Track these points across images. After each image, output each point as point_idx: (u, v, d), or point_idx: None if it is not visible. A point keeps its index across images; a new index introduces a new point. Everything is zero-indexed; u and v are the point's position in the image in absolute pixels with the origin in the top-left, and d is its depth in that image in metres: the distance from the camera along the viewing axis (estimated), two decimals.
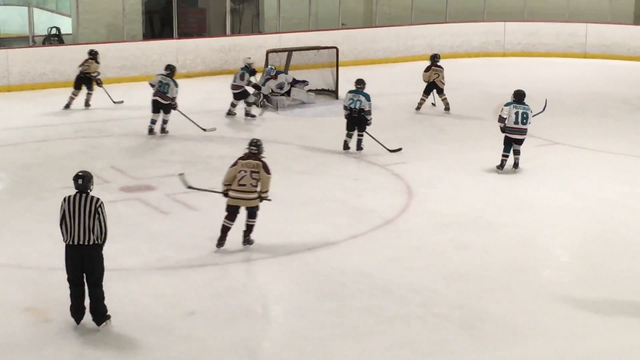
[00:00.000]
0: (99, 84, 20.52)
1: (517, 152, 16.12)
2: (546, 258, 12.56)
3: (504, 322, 10.37)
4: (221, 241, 12.31)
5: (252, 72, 20.08)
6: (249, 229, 12.42)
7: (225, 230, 12.32)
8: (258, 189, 12.24)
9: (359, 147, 17.12)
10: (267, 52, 21.94)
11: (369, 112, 16.94)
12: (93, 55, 20.53)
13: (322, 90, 22.25)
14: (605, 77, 25.62)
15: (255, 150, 12.42)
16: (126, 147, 17.71)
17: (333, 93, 21.98)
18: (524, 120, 15.95)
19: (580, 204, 14.52)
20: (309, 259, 12.16)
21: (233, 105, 20.09)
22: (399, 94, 22.61)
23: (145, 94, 19.00)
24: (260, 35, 26.74)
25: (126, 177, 15.56)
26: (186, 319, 10.30)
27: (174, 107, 18.37)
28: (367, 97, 16.97)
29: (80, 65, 20.43)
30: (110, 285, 10.28)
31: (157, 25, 28.16)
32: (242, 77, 19.85)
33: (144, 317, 10.31)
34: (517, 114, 15.99)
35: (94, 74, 20.46)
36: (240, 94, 19.96)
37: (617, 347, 9.86)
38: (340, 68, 22.25)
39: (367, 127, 17.08)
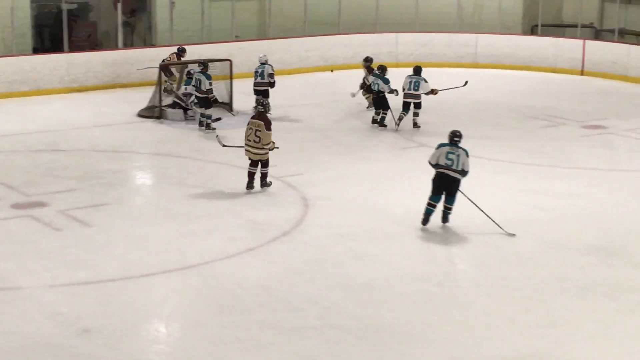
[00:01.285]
0: None
1: (416, 115, 20.36)
2: (442, 266, 12.67)
3: (401, 331, 10.43)
4: (249, 185, 15.34)
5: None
6: (262, 176, 15.35)
7: (250, 175, 15.34)
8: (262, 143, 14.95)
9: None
10: (161, 66, 21.75)
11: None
12: None
13: (217, 102, 22.10)
14: (495, 86, 26.03)
15: (261, 109, 15.15)
16: (17, 163, 17.36)
17: (227, 105, 21.87)
18: (416, 88, 20.26)
19: (475, 213, 14.68)
20: (206, 273, 12.07)
21: None
22: (293, 106, 22.62)
23: (36, 110, 18.69)
24: (153, 48, 26.50)
25: (17, 194, 15.24)
26: (81, 336, 10.11)
27: (213, 100, 19.88)
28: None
29: None
30: (3, 305, 10.05)
31: (47, 39, 27.68)
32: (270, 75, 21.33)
33: (39, 336, 10.10)
34: (410, 82, 20.34)
35: None
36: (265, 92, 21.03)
37: (512, 353, 9.99)
38: (234, 80, 22.18)
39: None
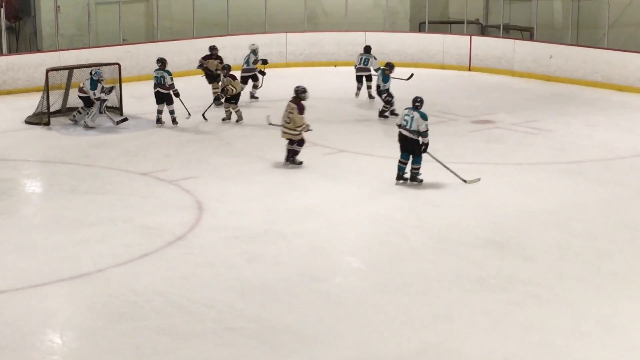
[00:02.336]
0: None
1: (369, 87, 23.38)
2: (337, 265, 12.74)
3: (299, 331, 10.44)
4: (286, 158, 17.06)
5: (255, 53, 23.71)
6: (292, 153, 16.95)
7: (288, 151, 17.04)
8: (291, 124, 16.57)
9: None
10: (47, 71, 21.38)
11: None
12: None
13: (107, 107, 21.85)
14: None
15: (301, 94, 16.83)
16: None
17: (117, 110, 21.61)
18: (365, 63, 23.16)
19: (368, 210, 14.82)
20: (100, 280, 11.90)
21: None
22: (183, 108, 22.43)
23: None
24: (38, 53, 26.04)
25: None
26: None
27: (176, 93, 20.61)
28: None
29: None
30: None
31: None
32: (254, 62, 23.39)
33: None
34: (361, 59, 23.29)
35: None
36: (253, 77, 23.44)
37: (408, 350, 10.08)
38: (123, 84, 21.93)
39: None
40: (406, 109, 16.07)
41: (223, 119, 21.01)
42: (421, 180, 15.92)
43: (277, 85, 23.95)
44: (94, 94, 20.41)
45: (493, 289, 11.67)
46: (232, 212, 14.62)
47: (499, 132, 20.31)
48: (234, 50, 27.87)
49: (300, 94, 16.85)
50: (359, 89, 23.68)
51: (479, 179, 16.03)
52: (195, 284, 11.71)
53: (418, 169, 15.95)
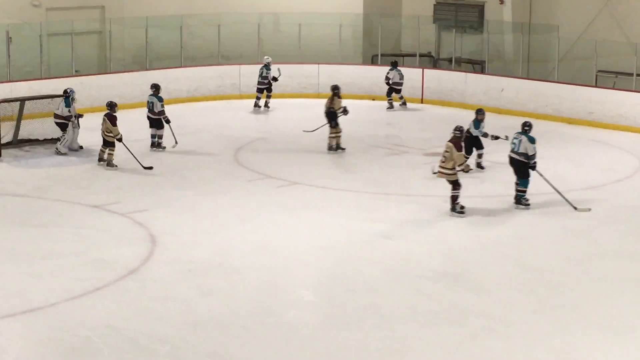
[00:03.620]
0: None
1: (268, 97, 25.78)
2: (291, 299, 12.70)
3: None
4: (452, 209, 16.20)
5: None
6: (452, 199, 16.03)
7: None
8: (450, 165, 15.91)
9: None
10: (327, 113, 21.51)
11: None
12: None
13: (169, 122, 21.70)
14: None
15: (458, 134, 16.20)
16: None
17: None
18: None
19: (322, 243, 14.81)
20: (52, 315, 11.78)
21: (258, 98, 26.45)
22: (137, 140, 22.35)
23: None
24: None
25: None
26: None
27: (166, 120, 21.14)
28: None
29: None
30: None
31: None
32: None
33: None
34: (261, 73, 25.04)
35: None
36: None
37: None
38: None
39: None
40: (516, 133, 16.89)
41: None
42: (528, 205, 16.60)
43: (232, 117, 23.97)
44: (69, 111, 20.49)
45: (447, 322, 11.71)
46: (186, 245, 14.55)
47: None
48: (186, 82, 27.90)
49: (462, 133, 16.43)
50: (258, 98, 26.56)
51: (589, 209, 16.48)
52: (149, 319, 11.64)
53: (524, 191, 16.68)
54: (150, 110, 21.45)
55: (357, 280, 13.24)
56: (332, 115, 21.54)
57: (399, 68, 27.41)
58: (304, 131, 23.09)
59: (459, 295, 12.60)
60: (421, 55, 30.40)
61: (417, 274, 13.40)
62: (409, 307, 12.16)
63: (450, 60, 29.98)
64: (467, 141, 18.56)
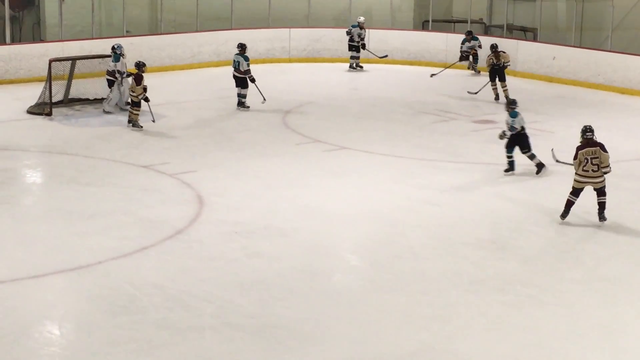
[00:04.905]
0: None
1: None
2: (336, 263, 12.74)
3: (296, 328, 10.46)
4: (565, 214, 14.11)
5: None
6: (601, 206, 14.08)
7: (570, 205, 14.08)
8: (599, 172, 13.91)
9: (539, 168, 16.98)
10: (50, 61, 21.35)
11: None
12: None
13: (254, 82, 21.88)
14: (388, 81, 26.24)
15: (590, 135, 13.96)
16: None
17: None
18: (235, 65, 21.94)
19: (368, 208, 14.81)
20: (99, 272, 11.91)
21: None
22: (186, 102, 22.51)
23: None
24: (42, 43, 26.00)
25: None
26: None
27: (252, 79, 21.48)
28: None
29: None
30: None
31: None
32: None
33: None
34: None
35: None
36: None
37: (405, 350, 10.09)
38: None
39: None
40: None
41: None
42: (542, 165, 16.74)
43: (281, 81, 24.07)
44: (115, 66, 20.67)
45: (491, 290, 11.68)
46: (232, 207, 14.62)
47: (500, 132, 20.25)
48: (234, 44, 27.89)
49: (589, 136, 13.99)
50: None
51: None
52: (194, 279, 11.72)
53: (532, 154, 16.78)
54: (236, 69, 21.81)
55: (402, 245, 13.24)
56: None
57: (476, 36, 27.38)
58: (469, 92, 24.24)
59: (504, 264, 12.56)
60: (472, 22, 30.16)
61: (463, 241, 13.36)
62: (454, 274, 12.14)
63: (502, 27, 29.72)
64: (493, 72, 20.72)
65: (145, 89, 19.34)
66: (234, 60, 21.95)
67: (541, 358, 10.00)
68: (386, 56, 26.63)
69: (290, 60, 28.48)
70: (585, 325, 10.76)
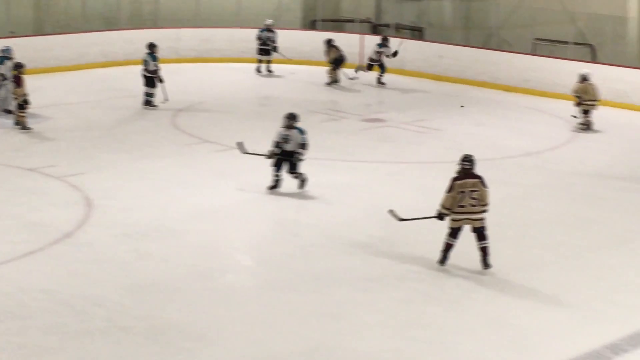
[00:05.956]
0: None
1: None
2: (228, 263, 12.70)
3: (188, 329, 10.38)
4: (444, 259, 12.33)
5: None
6: (484, 251, 12.18)
7: (448, 248, 12.28)
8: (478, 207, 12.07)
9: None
10: None
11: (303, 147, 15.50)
12: None
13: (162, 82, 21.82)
14: (278, 81, 26.26)
15: (469, 165, 12.18)
16: None
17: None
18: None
19: (259, 207, 14.81)
20: None
21: None
22: (73, 103, 22.16)
23: None
24: None
25: None
26: None
27: (159, 79, 21.60)
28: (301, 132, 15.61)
29: None
30: None
31: None
32: None
33: None
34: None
35: None
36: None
37: (299, 348, 10.11)
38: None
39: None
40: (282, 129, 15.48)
41: None
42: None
43: (171, 81, 23.80)
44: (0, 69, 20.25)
45: (383, 287, 11.78)
46: (122, 209, 14.45)
47: (389, 130, 20.51)
48: (124, 45, 27.58)
49: (474, 164, 12.32)
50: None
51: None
52: (84, 282, 11.56)
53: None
54: (145, 68, 21.80)
55: (294, 244, 13.27)
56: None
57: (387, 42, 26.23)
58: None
59: (396, 260, 12.67)
60: (361, 22, 30.38)
61: (354, 239, 13.45)
62: (345, 271, 12.21)
63: (389, 26, 30.00)
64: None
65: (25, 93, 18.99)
66: (144, 60, 21.90)
67: (433, 353, 10.13)
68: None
69: (179, 61, 28.23)
70: (476, 319, 10.93)
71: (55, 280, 11.59)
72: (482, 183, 12.06)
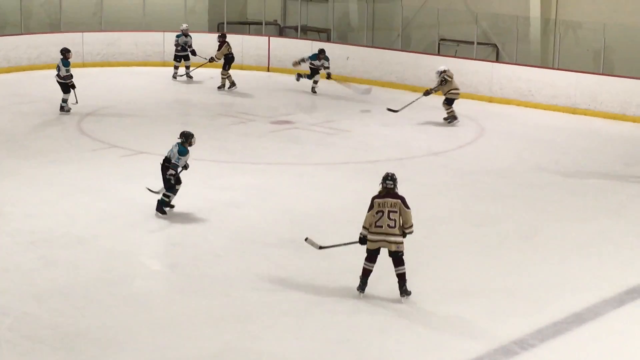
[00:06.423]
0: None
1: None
2: (136, 268, 12.56)
3: (98, 336, 10.27)
4: (362, 286, 11.55)
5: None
6: (401, 278, 11.48)
7: (366, 274, 11.53)
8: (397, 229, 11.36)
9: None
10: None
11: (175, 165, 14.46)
12: None
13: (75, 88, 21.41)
14: (184, 84, 26.11)
15: (391, 184, 11.46)
16: None
17: None
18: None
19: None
20: None
21: None
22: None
23: None
24: None
25: None
26: None
27: (71, 85, 21.23)
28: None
29: None
30: None
31: None
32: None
33: None
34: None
35: None
36: None
37: (209, 351, 10.07)
38: None
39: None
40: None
41: None
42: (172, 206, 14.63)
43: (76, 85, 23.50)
44: None
45: (293, 288, 11.78)
46: (27, 216, 14.23)
47: (297, 132, 20.54)
48: (28, 50, 27.17)
49: (396, 182, 11.60)
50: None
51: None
52: None
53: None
54: (57, 74, 21.41)
55: (204, 248, 13.21)
56: None
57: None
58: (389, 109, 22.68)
59: (305, 261, 12.69)
60: (267, 24, 30.41)
61: (264, 241, 13.44)
62: (256, 274, 12.18)
63: (296, 29, 30.07)
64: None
65: None
66: (57, 65, 21.51)
67: (345, 353, 10.16)
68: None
69: (84, 65, 27.91)
70: (386, 318, 10.99)
71: None
72: (404, 204, 11.41)
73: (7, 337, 10.16)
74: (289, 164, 17.65)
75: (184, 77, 26.43)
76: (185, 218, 14.43)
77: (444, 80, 21.57)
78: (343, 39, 29.06)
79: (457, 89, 21.70)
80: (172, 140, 15.21)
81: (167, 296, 11.57)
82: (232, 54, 25.18)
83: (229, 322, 10.79)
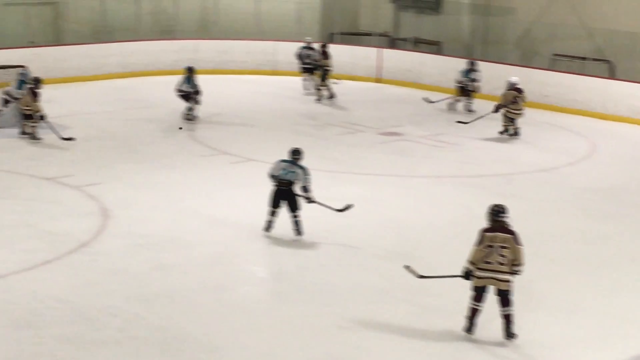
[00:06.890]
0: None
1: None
2: (243, 275, 12.69)
3: (202, 340, 10.41)
4: (470, 327, 10.79)
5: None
6: (507, 319, 10.69)
7: (474, 313, 10.75)
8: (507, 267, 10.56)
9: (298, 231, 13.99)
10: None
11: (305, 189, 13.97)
12: None
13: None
14: (294, 94, 26.27)
15: (502, 217, 10.66)
16: None
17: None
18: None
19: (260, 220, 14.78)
20: (1, 286, 11.70)
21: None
22: (91, 113, 22.25)
23: None
24: None
25: None
26: None
27: (194, 100, 21.47)
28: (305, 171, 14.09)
29: None
30: None
31: None
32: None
33: None
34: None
35: None
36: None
37: (313, 359, 10.12)
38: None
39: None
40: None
41: None
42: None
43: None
44: (14, 90, 20.21)
45: (398, 300, 11.77)
46: (138, 220, 14.49)
47: (406, 144, 20.51)
48: (143, 55, 27.69)
49: (502, 218, 10.76)
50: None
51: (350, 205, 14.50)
52: (99, 292, 11.59)
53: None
54: (179, 89, 21.67)
55: (309, 257, 13.27)
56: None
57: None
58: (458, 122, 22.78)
59: (410, 274, 12.62)
60: (379, 35, 30.43)
61: (370, 252, 13.45)
62: (360, 285, 12.20)
63: (407, 40, 30.03)
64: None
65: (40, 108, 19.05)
66: (182, 82, 21.77)
67: None
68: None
69: (198, 72, 28.30)
70: (484, 333, 10.90)
71: (71, 289, 11.63)
72: (515, 240, 10.56)
73: (115, 338, 10.36)
74: (397, 176, 17.63)
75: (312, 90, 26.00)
76: (288, 226, 14.49)
77: (516, 101, 21.26)
78: (454, 52, 28.88)
79: (521, 109, 21.38)
80: (281, 148, 15.33)
81: (271, 303, 11.67)
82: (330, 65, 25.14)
83: (331, 332, 10.82)
